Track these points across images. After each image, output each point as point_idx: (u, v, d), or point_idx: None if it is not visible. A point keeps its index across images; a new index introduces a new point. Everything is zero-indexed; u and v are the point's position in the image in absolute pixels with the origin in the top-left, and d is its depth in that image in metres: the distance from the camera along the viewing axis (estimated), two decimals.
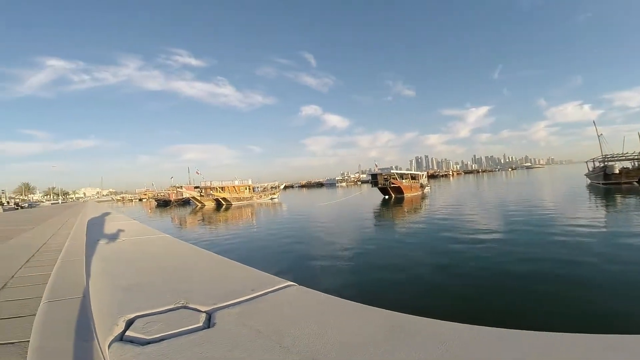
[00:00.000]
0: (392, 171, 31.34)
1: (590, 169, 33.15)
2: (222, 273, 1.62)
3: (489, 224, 12.77)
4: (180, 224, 24.72)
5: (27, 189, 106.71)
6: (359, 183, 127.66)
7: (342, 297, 1.56)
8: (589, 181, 33.00)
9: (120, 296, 1.35)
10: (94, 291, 1.50)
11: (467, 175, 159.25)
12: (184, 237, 15.54)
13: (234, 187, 45.02)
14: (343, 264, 8.40)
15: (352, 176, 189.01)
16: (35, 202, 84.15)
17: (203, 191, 44.89)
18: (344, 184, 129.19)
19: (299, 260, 9.09)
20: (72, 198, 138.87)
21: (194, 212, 35.99)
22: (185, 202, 49.67)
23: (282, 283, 1.43)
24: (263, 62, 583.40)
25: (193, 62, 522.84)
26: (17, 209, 40.46)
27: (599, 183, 29.05)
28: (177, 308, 1.12)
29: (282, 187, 54.63)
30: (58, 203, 75.39)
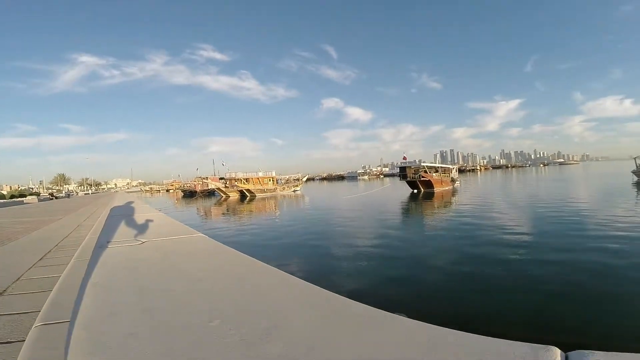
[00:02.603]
0: (423, 164, 29.97)
1: (639, 165, 30.42)
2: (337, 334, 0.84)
3: (537, 226, 11.59)
4: (206, 215, 24.68)
5: (63, 179, 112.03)
6: (382, 177, 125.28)
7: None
8: (635, 179, 30.36)
9: None
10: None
11: (495, 170, 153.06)
12: (215, 231, 15.22)
13: (258, 179, 44.93)
14: (387, 271, 7.64)
15: (374, 169, 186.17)
16: (70, 192, 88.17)
17: (228, 182, 45.13)
18: (366, 177, 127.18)
19: (335, 262, 8.40)
20: (103, 189, 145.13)
21: (219, 203, 36.15)
22: (210, 193, 50.22)
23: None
24: (285, 55, 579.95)
25: (217, 56, 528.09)
26: (52, 199, 42.18)
27: None
28: None
29: (304, 179, 54.08)
30: (89, 193, 78.66)
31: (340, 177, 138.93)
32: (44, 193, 68.26)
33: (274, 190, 44.17)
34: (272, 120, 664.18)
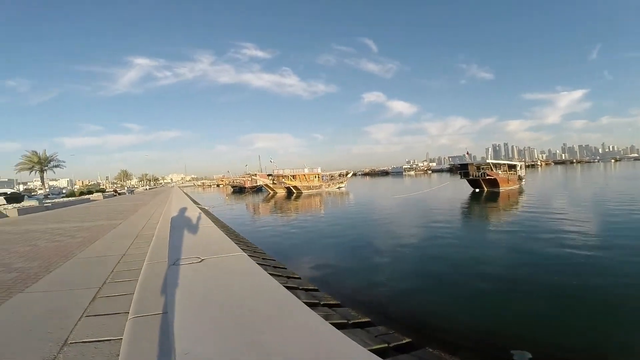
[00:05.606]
0: (488, 160, 27.16)
1: None
2: None
3: None
4: (254, 212, 24.54)
5: (125, 175, 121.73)
6: (429, 172, 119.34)
7: None
8: None
9: None
10: None
11: (557, 165, 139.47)
12: (276, 231, 14.69)
13: (303, 175, 44.45)
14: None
15: (420, 164, 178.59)
16: (132, 186, 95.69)
17: (275, 179, 45.29)
18: (412, 172, 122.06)
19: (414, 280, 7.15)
20: (161, 183, 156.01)
21: (267, 199, 36.23)
22: (258, 189, 50.93)
23: None
24: (324, 51, 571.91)
25: (259, 54, 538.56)
26: (116, 195, 45.26)
27: None
28: None
29: (349, 175, 52.29)
30: (147, 189, 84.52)
31: (385, 173, 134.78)
32: (109, 189, 74.28)
33: (319, 187, 43.41)
34: (313, 116, 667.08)
